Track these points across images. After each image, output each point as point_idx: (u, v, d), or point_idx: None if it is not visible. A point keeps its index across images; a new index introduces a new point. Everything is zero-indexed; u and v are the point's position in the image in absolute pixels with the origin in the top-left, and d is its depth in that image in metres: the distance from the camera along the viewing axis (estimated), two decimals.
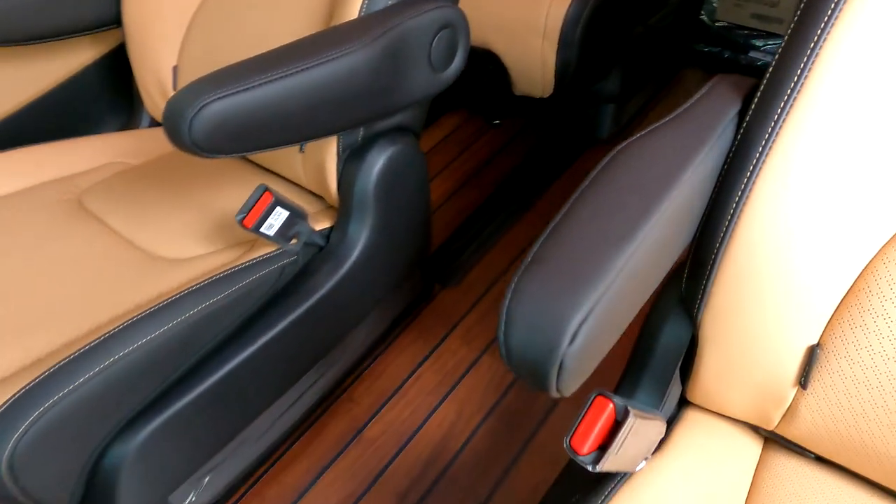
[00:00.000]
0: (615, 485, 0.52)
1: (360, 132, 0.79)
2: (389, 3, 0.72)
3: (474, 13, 1.14)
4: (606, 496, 0.51)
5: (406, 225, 0.89)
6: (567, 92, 1.19)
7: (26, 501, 0.62)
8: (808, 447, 0.56)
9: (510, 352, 0.35)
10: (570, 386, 0.36)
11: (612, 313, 0.36)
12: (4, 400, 0.60)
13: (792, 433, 0.55)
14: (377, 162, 0.80)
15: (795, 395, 0.53)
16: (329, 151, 0.81)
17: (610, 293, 0.35)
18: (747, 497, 0.56)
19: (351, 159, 0.81)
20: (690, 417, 0.60)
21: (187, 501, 0.82)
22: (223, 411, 0.76)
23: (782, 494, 0.56)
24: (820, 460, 0.57)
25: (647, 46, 1.40)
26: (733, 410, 0.57)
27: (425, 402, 0.98)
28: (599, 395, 0.46)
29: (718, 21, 1.58)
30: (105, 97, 1.16)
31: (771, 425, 0.56)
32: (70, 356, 0.63)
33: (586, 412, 0.45)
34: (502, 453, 0.91)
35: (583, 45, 1.11)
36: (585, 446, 0.45)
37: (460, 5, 0.77)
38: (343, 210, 0.83)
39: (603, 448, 0.46)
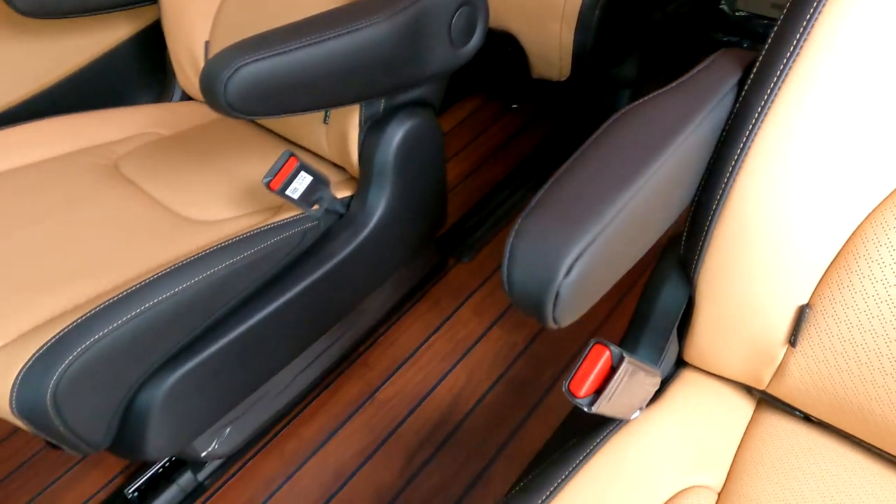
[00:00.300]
0: (610, 431, 0.56)
1: (381, 104, 0.83)
2: None
3: None
4: (601, 440, 0.55)
5: (422, 196, 0.93)
6: (584, 76, 1.21)
7: (67, 433, 0.68)
8: (797, 406, 0.59)
9: (512, 284, 0.39)
10: (566, 318, 0.40)
11: (607, 253, 0.40)
12: (48, 339, 0.65)
13: (782, 392, 0.58)
14: (397, 133, 0.84)
15: (785, 354, 0.55)
16: (351, 122, 0.85)
17: (606, 233, 0.39)
18: (736, 452, 0.59)
19: (372, 130, 0.85)
20: (686, 377, 0.64)
21: (210, 449, 0.87)
22: (245, 364, 0.81)
23: (771, 451, 0.59)
24: (809, 420, 0.60)
25: (665, 33, 1.42)
26: (727, 370, 0.60)
27: (437, 368, 1.03)
28: (598, 343, 0.50)
29: (738, 10, 1.59)
30: (139, 71, 1.21)
31: (762, 385, 0.59)
32: (105, 303, 0.68)
33: (585, 358, 0.49)
34: (509, 417, 0.95)
35: (600, 30, 1.13)
36: (583, 389, 0.49)
37: None
38: (363, 179, 0.87)
39: (599, 392, 0.50)
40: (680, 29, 1.47)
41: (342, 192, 0.89)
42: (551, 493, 0.49)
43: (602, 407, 0.50)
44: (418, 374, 1.02)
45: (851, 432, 0.57)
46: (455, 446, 0.93)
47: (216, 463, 0.94)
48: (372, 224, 0.87)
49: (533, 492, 0.50)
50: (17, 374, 0.64)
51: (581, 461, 0.52)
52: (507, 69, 1.28)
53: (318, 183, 0.80)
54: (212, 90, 0.59)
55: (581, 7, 1.10)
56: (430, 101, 0.89)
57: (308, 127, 0.93)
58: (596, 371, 0.49)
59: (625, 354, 0.49)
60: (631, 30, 1.26)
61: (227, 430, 0.89)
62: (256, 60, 0.60)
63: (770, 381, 0.58)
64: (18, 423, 0.66)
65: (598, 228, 0.38)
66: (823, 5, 0.48)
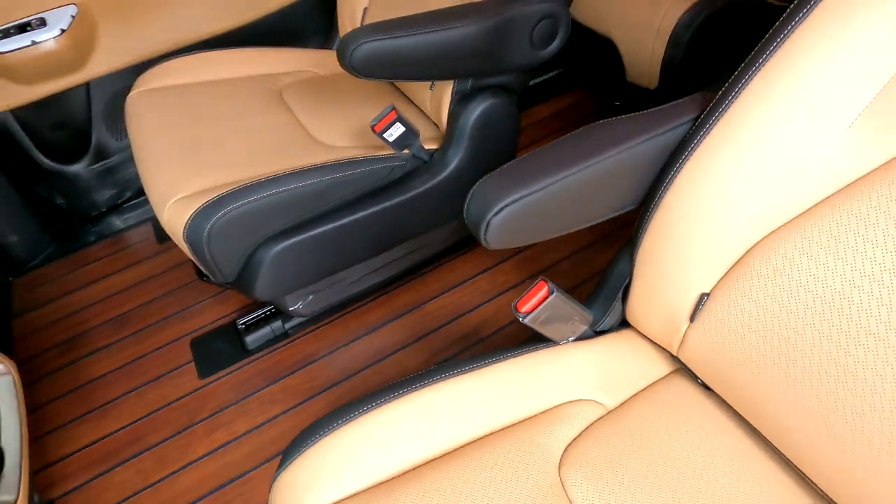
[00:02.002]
0: (542, 346, 0.79)
1: (469, 83, 1.08)
2: None
3: (602, 5, 1.35)
4: (531, 349, 0.78)
5: (490, 161, 1.17)
6: (671, 87, 1.36)
7: (210, 261, 1.03)
8: (696, 374, 0.78)
9: (467, 213, 0.63)
10: (494, 243, 0.63)
11: (534, 209, 0.62)
12: (212, 197, 1.00)
13: (686, 357, 0.77)
14: (478, 108, 1.09)
15: (687, 329, 0.74)
16: (447, 92, 1.11)
17: (536, 195, 0.61)
18: (638, 392, 0.79)
19: (460, 102, 1.10)
20: (624, 332, 0.84)
21: (296, 307, 1.21)
22: (334, 250, 1.12)
23: (665, 398, 0.78)
24: (708, 390, 0.78)
25: None
26: (651, 333, 0.80)
27: (475, 299, 1.29)
28: (542, 279, 0.73)
29: None
30: (313, 22, 1.55)
31: (674, 350, 0.78)
32: (253, 182, 1.01)
33: (531, 288, 0.72)
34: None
35: (690, 47, 1.27)
36: (523, 308, 0.73)
37: None
38: (447, 138, 1.13)
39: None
40: None
41: (430, 145, 1.16)
42: (478, 367, 0.74)
43: (536, 325, 0.74)
44: (459, 300, 1.29)
45: (732, 405, 0.75)
46: (473, 352, 1.19)
47: (298, 320, 1.29)
48: (444, 174, 1.13)
49: (463, 361, 0.74)
50: (189, 215, 0.99)
51: (510, 355, 0.76)
52: (606, 70, 1.46)
53: (409, 133, 1.07)
54: (342, 54, 0.88)
55: (676, 24, 1.25)
56: (512, 87, 1.12)
57: (420, 90, 1.20)
58: (535, 298, 0.73)
59: (556, 291, 0.72)
60: (719, 52, 1.38)
61: (310, 297, 1.22)
62: (377, 40, 0.88)
63: (678, 349, 0.77)
64: (185, 247, 1.02)
65: (529, 190, 0.61)
66: (750, 79, 0.65)
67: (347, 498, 0.64)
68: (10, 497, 0.70)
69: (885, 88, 0.60)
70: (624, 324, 0.85)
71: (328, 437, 0.67)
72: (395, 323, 1.27)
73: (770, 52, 0.64)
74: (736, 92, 0.66)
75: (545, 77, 1.77)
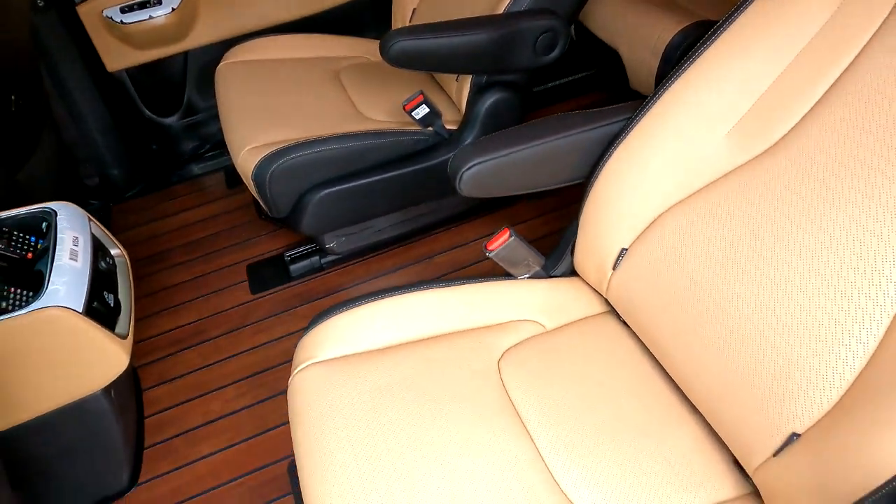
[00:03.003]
0: (501, 277, 1.05)
1: (484, 78, 1.34)
2: (523, 7, 1.25)
3: (613, 22, 1.58)
4: (493, 278, 1.04)
5: None
6: None
7: (270, 199, 1.34)
8: (617, 310, 1.03)
9: (450, 168, 0.90)
10: (466, 191, 0.91)
11: (495, 170, 0.89)
12: (274, 149, 1.30)
13: (611, 299, 1.02)
14: (489, 99, 1.35)
15: (611, 275, 1.00)
16: (467, 84, 1.38)
17: (498, 160, 0.88)
18: (571, 322, 1.04)
19: (476, 93, 1.37)
20: (573, 279, 1.09)
21: (331, 245, 1.51)
22: (366, 200, 1.41)
23: (590, 330, 1.03)
24: (627, 327, 1.03)
25: None
26: (588, 278, 1.05)
27: (475, 256, 1.56)
28: (506, 227, 1.00)
29: None
30: (370, 15, 1.85)
31: (604, 293, 1.04)
32: (309, 139, 1.31)
33: (497, 234, 1.00)
34: None
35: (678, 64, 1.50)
36: (490, 246, 1.00)
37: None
38: (463, 121, 1.41)
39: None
40: None
41: (451, 126, 1.43)
42: (453, 285, 1.01)
43: (498, 260, 1.01)
44: (461, 256, 1.57)
45: (638, 334, 0.99)
46: None
47: (332, 257, 1.59)
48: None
49: (444, 280, 1.02)
50: (258, 160, 1.30)
51: (479, 281, 1.03)
52: (614, 77, 1.69)
53: (433, 114, 1.35)
54: (382, 49, 1.16)
55: (667, 45, 1.48)
56: (520, 84, 1.38)
57: (449, 80, 1.48)
58: (500, 240, 1.00)
59: (515, 236, 0.99)
60: None
61: (343, 238, 1.52)
62: (409, 40, 1.16)
63: (606, 292, 1.02)
64: (251, 185, 1.33)
65: (492, 156, 0.88)
66: (668, 87, 0.90)
67: (345, 357, 0.93)
68: (124, 331, 1.02)
69: (752, 109, 0.85)
70: (575, 274, 1.11)
71: (337, 316, 0.96)
72: (408, 269, 1.56)
73: (682, 70, 0.89)
74: (657, 96, 0.92)
75: (568, 80, 2.01)
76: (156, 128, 1.88)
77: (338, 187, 1.36)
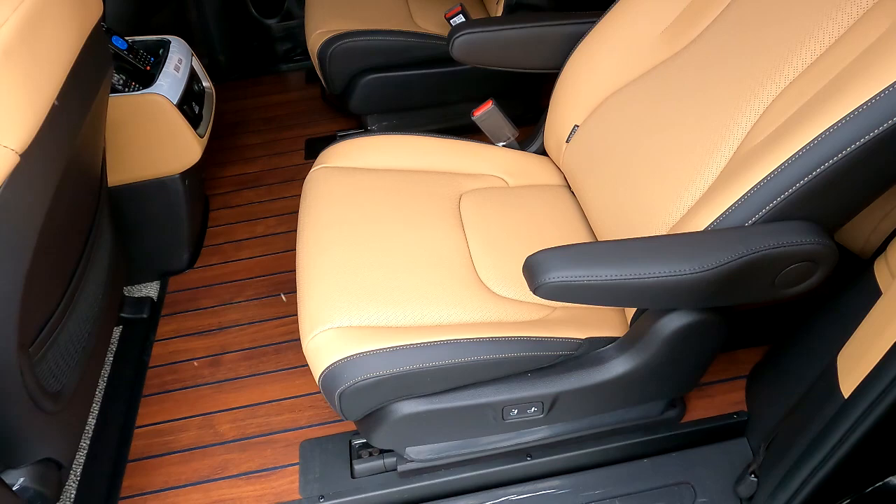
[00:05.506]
0: (485, 144, 1.33)
1: None
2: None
3: None
4: (479, 142, 1.33)
5: None
6: None
7: (329, 78, 1.67)
8: (567, 179, 1.28)
9: (447, 36, 1.20)
10: (457, 56, 1.19)
11: (483, 42, 1.18)
12: (337, 34, 1.63)
13: (564, 168, 1.28)
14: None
15: (565, 147, 1.25)
16: (502, 2, 1.65)
17: (482, 34, 1.16)
18: (531, 185, 1.30)
19: (507, 6, 1.64)
20: (541, 157, 1.35)
21: (373, 127, 1.84)
22: (404, 92, 1.72)
23: (545, 194, 1.29)
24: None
25: None
26: (551, 153, 1.31)
27: None
28: (490, 99, 1.28)
29: None
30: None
31: (560, 164, 1.29)
32: (360, 29, 1.63)
33: (483, 104, 1.28)
34: None
35: None
36: (476, 113, 1.28)
37: None
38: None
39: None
40: None
41: None
42: (444, 138, 1.30)
43: (479, 123, 1.29)
44: None
45: (577, 198, 1.23)
46: None
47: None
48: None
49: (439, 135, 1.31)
50: (323, 40, 1.64)
51: (459, 138, 1.31)
52: None
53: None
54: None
55: None
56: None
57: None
58: (484, 108, 1.28)
59: (495, 105, 1.27)
60: None
61: (385, 124, 1.84)
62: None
63: (561, 163, 1.28)
64: (316, 62, 1.67)
65: (480, 30, 1.16)
66: None
67: (349, 168, 1.25)
68: (202, 133, 1.40)
69: (681, 14, 1.08)
70: (545, 154, 1.37)
71: (351, 140, 1.28)
72: None
73: None
74: (615, 3, 1.17)
75: None
76: (258, 26, 2.28)
77: (382, 74, 1.68)
